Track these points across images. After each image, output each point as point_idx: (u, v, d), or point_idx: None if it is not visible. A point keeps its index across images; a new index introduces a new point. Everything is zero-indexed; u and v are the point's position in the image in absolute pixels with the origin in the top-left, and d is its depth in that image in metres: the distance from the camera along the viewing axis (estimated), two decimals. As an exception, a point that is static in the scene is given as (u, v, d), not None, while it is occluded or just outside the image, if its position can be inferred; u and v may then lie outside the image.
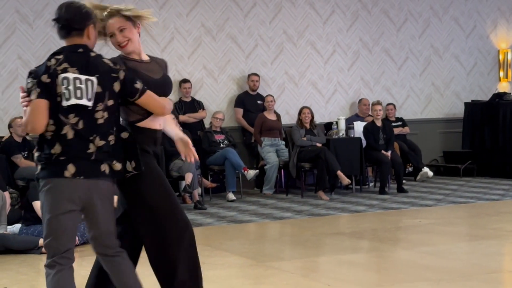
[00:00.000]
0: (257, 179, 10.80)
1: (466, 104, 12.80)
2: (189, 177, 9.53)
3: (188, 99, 11.17)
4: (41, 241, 6.47)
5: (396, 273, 5.57)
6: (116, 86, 3.92)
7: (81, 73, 3.84)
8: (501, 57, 13.32)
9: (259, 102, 11.48)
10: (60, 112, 3.82)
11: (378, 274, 5.76)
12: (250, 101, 11.50)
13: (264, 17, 11.93)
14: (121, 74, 3.94)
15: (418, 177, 11.74)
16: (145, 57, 4.25)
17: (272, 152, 10.94)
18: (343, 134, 11.01)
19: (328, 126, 11.67)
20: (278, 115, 11.36)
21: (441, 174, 12.39)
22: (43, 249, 4.38)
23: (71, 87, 3.81)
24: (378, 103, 11.18)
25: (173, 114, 10.24)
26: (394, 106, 12.13)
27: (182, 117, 10.73)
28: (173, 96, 11.38)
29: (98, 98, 3.86)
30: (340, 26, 12.38)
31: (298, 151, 10.49)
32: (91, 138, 3.84)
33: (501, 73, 13.33)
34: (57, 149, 3.80)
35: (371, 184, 11.30)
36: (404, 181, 10.84)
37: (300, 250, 6.67)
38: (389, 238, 7.31)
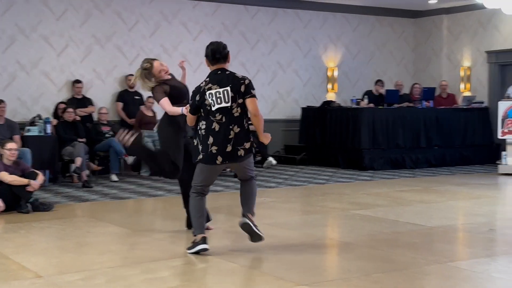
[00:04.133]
0: (136, 164, 10.62)
1: (302, 108, 13.14)
2: (78, 160, 9.27)
3: (80, 97, 10.88)
4: None
5: (243, 241, 5.63)
6: (242, 88, 4.90)
7: (221, 87, 4.90)
8: (329, 73, 13.77)
9: (136, 97, 11.34)
10: (210, 114, 4.90)
11: (227, 241, 5.79)
12: (128, 97, 11.30)
13: (145, 32, 11.73)
14: (246, 81, 4.96)
15: (264, 165, 11.92)
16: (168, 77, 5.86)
17: (149, 142, 10.79)
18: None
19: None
20: (154, 112, 11.23)
21: (282, 163, 12.66)
22: None
23: (214, 98, 4.89)
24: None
25: (71, 108, 10.00)
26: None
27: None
28: (67, 94, 10.99)
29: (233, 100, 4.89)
30: (206, 43, 12.35)
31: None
32: (230, 127, 4.88)
33: (329, 86, 13.78)
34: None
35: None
36: (253, 168, 10.96)
37: (170, 222, 6.60)
38: (235, 213, 7.35)
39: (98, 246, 5.47)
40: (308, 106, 13.16)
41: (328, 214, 7.24)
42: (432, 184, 9.73)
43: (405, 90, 13.42)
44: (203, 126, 4.94)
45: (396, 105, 12.44)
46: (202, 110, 4.98)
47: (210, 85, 4.94)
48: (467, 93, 13.81)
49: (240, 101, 4.91)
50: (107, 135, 10.37)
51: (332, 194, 8.68)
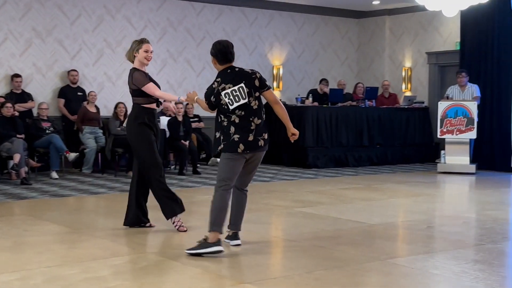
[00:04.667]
0: (78, 161, 10.43)
1: (248, 106, 13.13)
2: (16, 157, 9.01)
3: (19, 91, 10.57)
4: None
5: (188, 238, 5.59)
6: (257, 83, 5.06)
7: (234, 84, 4.98)
8: (275, 71, 13.83)
9: (79, 93, 11.10)
10: (229, 112, 4.98)
11: (169, 239, 5.74)
12: (71, 93, 11.06)
13: (87, 26, 11.49)
14: (258, 75, 5.13)
15: (209, 162, 11.89)
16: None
17: (91, 138, 10.63)
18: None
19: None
20: (97, 108, 11.02)
21: (227, 160, 12.61)
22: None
23: (231, 97, 4.97)
24: (180, 102, 11.17)
25: (10, 103, 9.70)
26: (193, 105, 12.19)
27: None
28: (5, 88, 10.66)
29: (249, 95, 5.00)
30: (151, 38, 12.23)
31: (113, 139, 10.29)
32: (251, 119, 5.02)
33: (275, 84, 13.84)
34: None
35: (172, 167, 11.28)
36: (198, 165, 10.93)
37: (111, 220, 6.49)
38: (185, 210, 7.31)
39: (36, 245, 5.32)
40: (253, 104, 13.15)
41: (272, 212, 7.27)
42: (373, 182, 9.90)
43: (348, 89, 13.62)
44: (225, 119, 5.03)
45: (340, 104, 12.61)
46: (214, 100, 5.03)
47: (223, 85, 5.00)
48: (408, 93, 14.12)
49: (257, 94, 5.06)
50: (47, 131, 10.13)
51: (276, 192, 8.72)
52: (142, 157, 5.84)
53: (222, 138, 5.04)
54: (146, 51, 5.84)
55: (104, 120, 10.89)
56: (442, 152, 11.42)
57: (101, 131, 10.84)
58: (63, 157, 9.99)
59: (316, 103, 12.37)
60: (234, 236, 5.33)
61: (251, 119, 5.02)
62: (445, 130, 11.19)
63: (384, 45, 14.54)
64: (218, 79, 5.03)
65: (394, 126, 12.91)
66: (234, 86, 4.97)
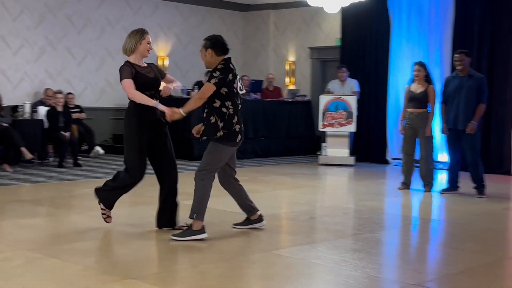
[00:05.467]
0: None
1: (132, 97, 12.89)
2: None
3: None
4: None
5: (68, 234, 5.39)
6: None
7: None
8: (160, 62, 13.62)
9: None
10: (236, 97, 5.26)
11: (53, 235, 5.51)
12: None
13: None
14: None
15: (91, 154, 11.55)
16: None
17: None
18: (28, 116, 10.43)
19: (15, 109, 10.92)
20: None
21: (111, 152, 12.31)
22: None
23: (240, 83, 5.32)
24: (60, 92, 10.81)
25: None
26: (74, 95, 11.78)
27: None
28: None
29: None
30: (28, 24, 11.65)
31: (-14, 129, 9.70)
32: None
33: (160, 75, 13.63)
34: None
35: (52, 159, 10.83)
36: (79, 157, 10.57)
37: (-16, 216, 6.12)
38: (65, 204, 7.06)
39: None
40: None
41: (157, 205, 7.15)
42: (258, 174, 10.05)
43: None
44: (230, 105, 5.23)
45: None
46: (227, 90, 5.22)
47: (235, 71, 5.34)
48: (292, 87, 14.44)
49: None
50: None
51: (161, 185, 8.61)
52: (125, 157, 5.63)
53: (222, 125, 5.23)
54: (149, 43, 5.55)
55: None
56: (324, 144, 11.79)
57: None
58: None
59: (201, 95, 12.33)
60: (260, 218, 5.71)
61: (240, 111, 5.37)
62: (326, 123, 11.56)
63: (269, 39, 14.77)
64: (230, 65, 5.29)
65: (278, 118, 13.16)
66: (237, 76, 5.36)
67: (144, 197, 7.59)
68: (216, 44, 5.32)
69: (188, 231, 5.20)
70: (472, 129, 7.87)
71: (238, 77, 5.39)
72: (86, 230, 5.62)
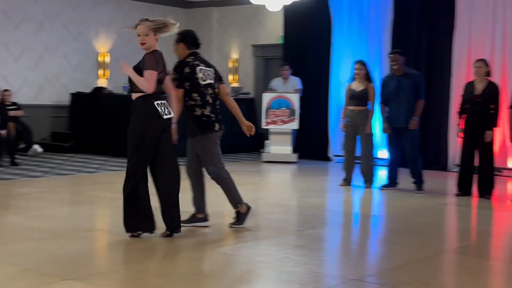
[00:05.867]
0: None
1: (72, 94, 12.64)
2: None
3: None
4: None
5: (4, 235, 5.24)
6: (218, 74, 5.67)
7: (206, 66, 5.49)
8: (100, 59, 13.41)
9: None
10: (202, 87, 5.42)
11: (-12, 236, 5.34)
12: None
13: None
14: (217, 68, 5.74)
15: (29, 152, 11.26)
16: None
17: None
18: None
19: None
20: None
21: (49, 151, 12.04)
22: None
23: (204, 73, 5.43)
24: (-4, 88, 10.48)
25: None
26: (10, 92, 11.44)
27: None
28: None
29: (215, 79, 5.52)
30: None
31: None
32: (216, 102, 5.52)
33: (101, 72, 13.43)
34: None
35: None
36: (16, 156, 10.28)
37: None
38: (1, 205, 6.85)
39: None
40: (77, 92, 12.69)
41: (98, 204, 7.05)
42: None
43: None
44: (198, 98, 5.39)
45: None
46: (190, 84, 5.36)
47: (198, 61, 5.44)
48: (235, 84, 14.44)
49: (217, 84, 5.56)
50: None
51: (103, 183, 8.49)
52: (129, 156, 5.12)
53: (196, 119, 5.40)
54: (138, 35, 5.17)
55: None
56: (267, 142, 11.84)
57: None
58: None
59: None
60: (205, 218, 5.76)
61: (216, 102, 5.55)
62: (269, 120, 11.62)
63: (212, 37, 14.72)
64: (192, 57, 5.42)
65: (223, 116, 13.10)
66: (206, 67, 5.49)
67: (83, 196, 7.46)
68: (185, 37, 5.52)
69: (241, 216, 5.64)
70: (414, 125, 8.07)
71: (200, 67, 5.46)
72: (24, 230, 5.47)
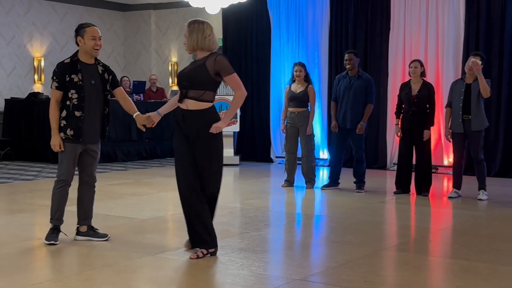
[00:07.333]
0: None
1: (6, 100, 12.30)
2: None
3: None
4: None
5: None
6: None
7: None
8: (35, 63, 13.11)
9: None
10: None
11: None
12: None
13: None
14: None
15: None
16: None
17: None
18: None
19: None
20: None
21: (-17, 159, 11.68)
22: None
23: None
24: None
25: None
26: None
27: None
28: None
29: None
30: None
31: None
32: None
33: (36, 77, 13.13)
34: None
35: None
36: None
37: None
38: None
39: None
40: (12, 98, 12.36)
41: (36, 212, 6.89)
42: (143, 176, 9.92)
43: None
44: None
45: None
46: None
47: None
48: (175, 88, 14.37)
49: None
50: None
51: (41, 191, 8.27)
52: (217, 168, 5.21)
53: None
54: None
55: None
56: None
57: None
58: None
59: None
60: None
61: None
62: (212, 123, 11.59)
63: (150, 39, 14.61)
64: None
65: (163, 120, 12.91)
66: None
67: (21, 205, 7.28)
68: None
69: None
70: (361, 130, 8.22)
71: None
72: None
